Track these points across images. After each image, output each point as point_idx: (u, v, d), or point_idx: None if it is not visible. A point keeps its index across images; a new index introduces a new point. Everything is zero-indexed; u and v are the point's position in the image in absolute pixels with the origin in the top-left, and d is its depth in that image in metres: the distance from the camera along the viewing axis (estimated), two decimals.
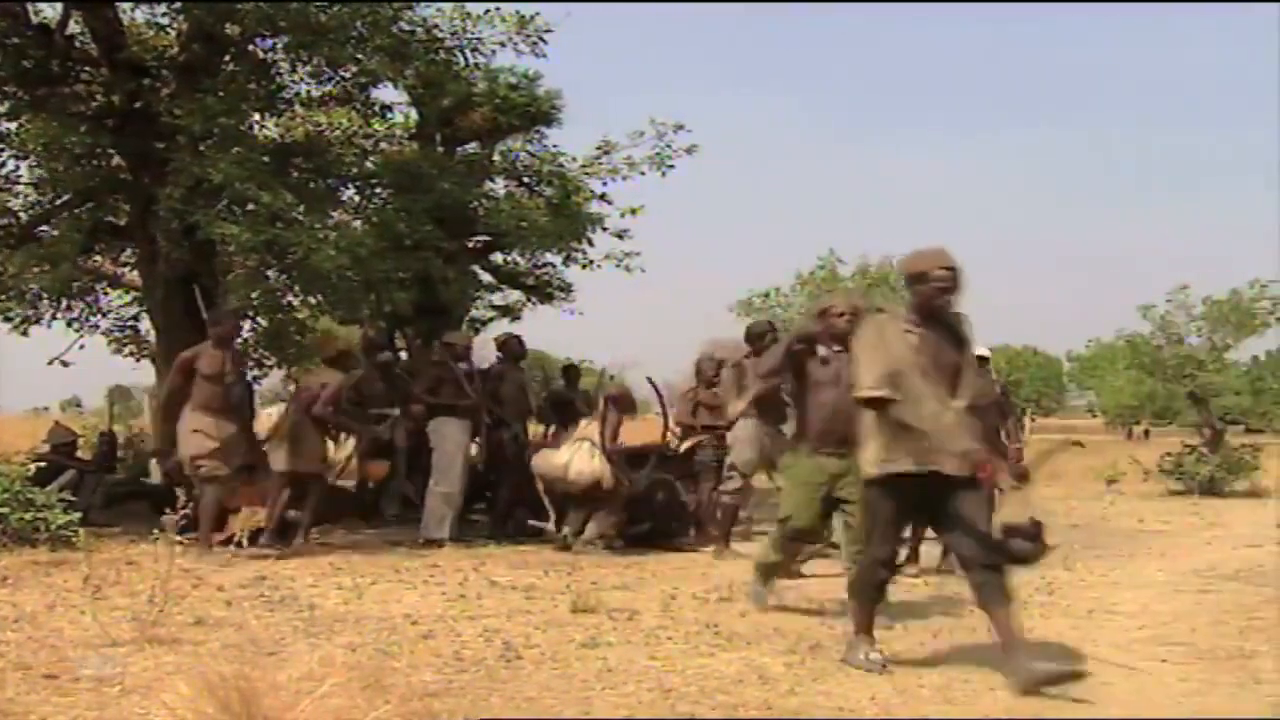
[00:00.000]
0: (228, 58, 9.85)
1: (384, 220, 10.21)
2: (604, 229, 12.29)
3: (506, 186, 12.42)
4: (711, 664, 4.76)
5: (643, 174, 12.53)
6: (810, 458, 5.67)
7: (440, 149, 11.86)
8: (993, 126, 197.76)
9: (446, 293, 11.13)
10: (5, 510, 7.53)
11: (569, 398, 10.59)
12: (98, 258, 11.94)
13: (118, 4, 9.64)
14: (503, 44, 11.03)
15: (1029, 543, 4.46)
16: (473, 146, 12.33)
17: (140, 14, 10.38)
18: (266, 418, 9.26)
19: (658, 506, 8.83)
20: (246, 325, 11.87)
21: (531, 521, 9.10)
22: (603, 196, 12.37)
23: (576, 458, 8.46)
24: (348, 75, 10.31)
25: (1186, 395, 20.59)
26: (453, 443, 8.92)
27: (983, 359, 6.79)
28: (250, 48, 9.91)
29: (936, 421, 4.34)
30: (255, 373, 12.40)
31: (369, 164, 10.84)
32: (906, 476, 4.47)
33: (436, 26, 10.47)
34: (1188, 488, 15.68)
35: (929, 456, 4.40)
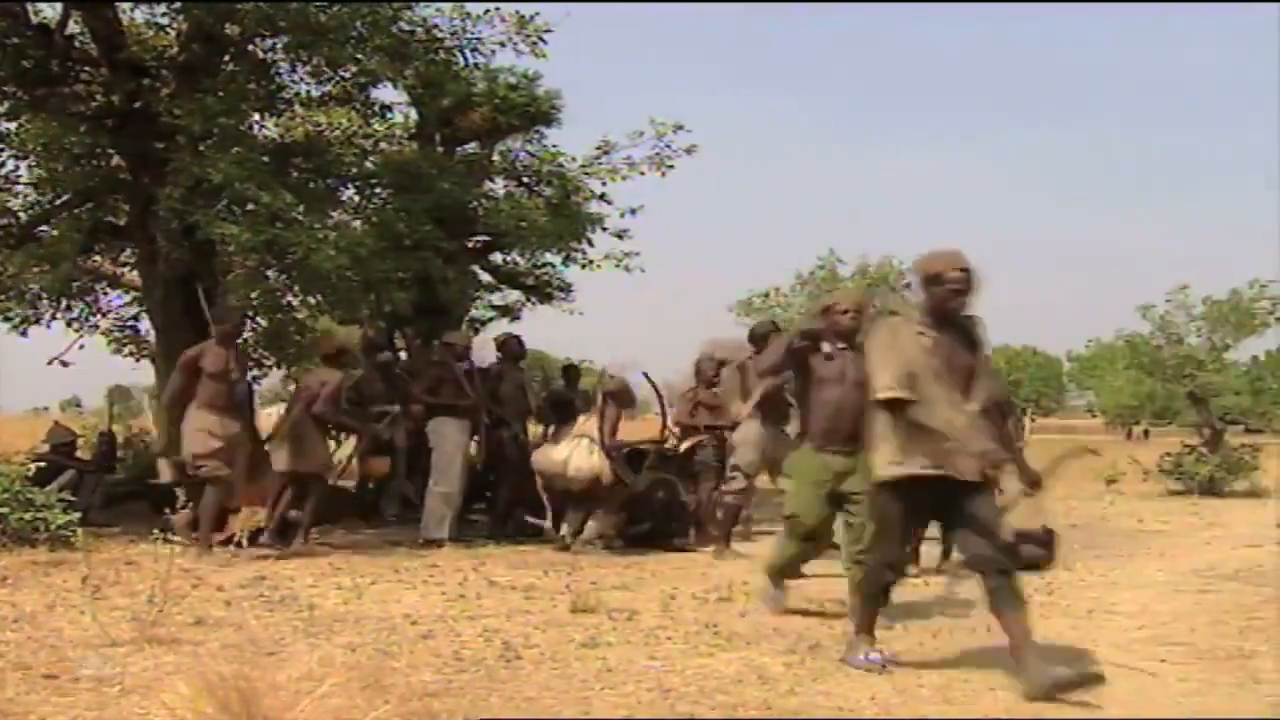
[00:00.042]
0: (227, 58, 9.85)
1: (384, 220, 10.21)
2: (604, 229, 12.29)
3: (506, 186, 12.42)
4: (711, 664, 4.76)
5: (642, 174, 12.52)
6: (816, 455, 5.63)
7: (440, 149, 11.86)
8: (993, 126, 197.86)
9: (446, 293, 11.13)
10: (5, 510, 7.53)
11: (568, 398, 10.58)
12: (97, 258, 11.94)
13: (117, 4, 9.64)
14: (502, 44, 11.03)
15: (1041, 549, 4.45)
16: (472, 146, 12.33)
17: (140, 14, 10.39)
18: (266, 418, 9.27)
19: (658, 506, 8.82)
20: (246, 325, 11.87)
21: (529, 519, 9.11)
22: (602, 196, 12.37)
23: (575, 454, 8.46)
24: (347, 75, 10.32)
25: (1186, 395, 20.61)
26: (452, 443, 8.92)
27: None
28: (250, 48, 9.92)
29: (951, 423, 4.32)
30: (255, 373, 12.40)
31: (369, 164, 10.84)
32: (918, 479, 4.42)
33: (436, 26, 10.48)
34: (1187, 488, 15.68)
35: (942, 459, 4.36)
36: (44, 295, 12.07)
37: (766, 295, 23.60)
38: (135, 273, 11.65)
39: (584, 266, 12.53)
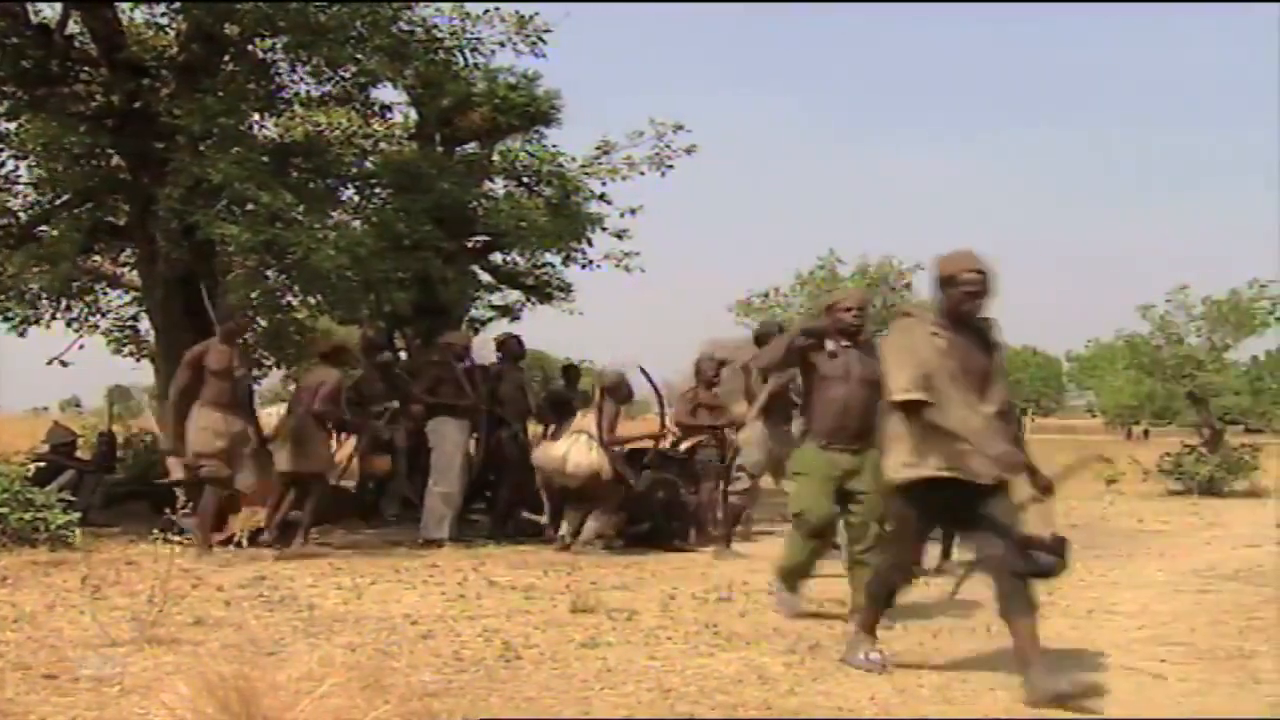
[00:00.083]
0: (227, 58, 9.85)
1: (383, 220, 10.21)
2: (603, 229, 12.30)
3: (506, 186, 12.43)
4: (711, 664, 4.76)
5: (642, 174, 12.55)
6: (822, 453, 5.60)
7: (440, 149, 11.87)
8: (993, 126, 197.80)
9: (446, 293, 11.13)
10: (5, 510, 7.53)
11: (568, 397, 10.60)
12: (97, 258, 11.95)
13: (117, 4, 9.64)
14: (502, 44, 11.04)
15: (1052, 557, 4.40)
16: (472, 146, 12.34)
17: (140, 14, 10.39)
18: (266, 417, 9.26)
19: (658, 506, 8.82)
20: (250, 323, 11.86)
21: (527, 515, 9.10)
22: (602, 196, 12.38)
23: (574, 450, 8.45)
24: (347, 75, 10.31)
25: (1186, 395, 20.60)
26: (451, 443, 8.93)
27: None
28: (250, 48, 9.92)
29: (967, 426, 4.28)
30: (255, 372, 12.40)
31: (368, 164, 10.84)
32: (933, 481, 4.38)
33: (436, 26, 10.47)
34: (1187, 488, 15.69)
35: (958, 461, 4.32)
36: (44, 295, 12.08)
37: (766, 295, 23.63)
38: (135, 273, 11.65)
39: (584, 266, 12.55)
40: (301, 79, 10.52)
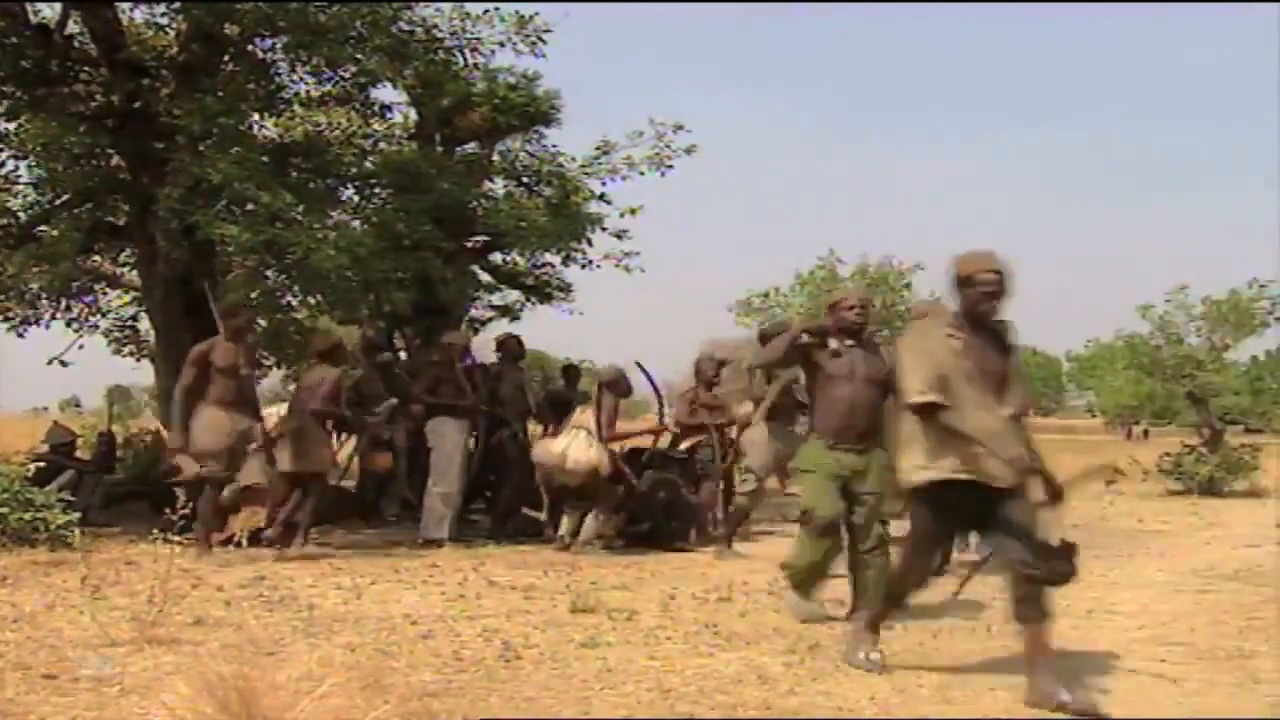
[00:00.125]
0: (227, 58, 9.86)
1: (383, 220, 10.21)
2: (603, 229, 12.29)
3: (505, 186, 12.44)
4: (711, 664, 4.76)
5: (642, 174, 12.56)
6: (828, 452, 5.55)
7: (439, 149, 11.87)
8: (993, 126, 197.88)
9: (445, 293, 11.13)
10: (5, 510, 7.53)
11: (568, 397, 10.59)
12: (97, 258, 11.96)
13: (117, 4, 9.65)
14: (502, 44, 11.07)
15: (1063, 564, 4.37)
16: (472, 146, 12.34)
17: (139, 14, 10.41)
18: (266, 418, 9.25)
19: (660, 506, 8.82)
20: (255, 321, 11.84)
21: (527, 511, 9.10)
22: (602, 196, 12.38)
23: (573, 446, 8.44)
24: (347, 75, 10.32)
25: (1185, 395, 20.60)
26: (451, 443, 8.92)
27: None
28: (249, 48, 9.93)
29: (983, 428, 4.24)
30: (255, 372, 12.40)
31: (368, 164, 10.85)
32: (950, 484, 4.33)
33: (436, 26, 10.49)
34: (1187, 488, 15.68)
35: (974, 463, 4.27)
36: (44, 295, 12.09)
37: (766, 295, 23.61)
38: (135, 273, 11.65)
39: (584, 266, 12.54)
40: (301, 79, 10.53)
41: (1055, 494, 4.46)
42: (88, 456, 10.69)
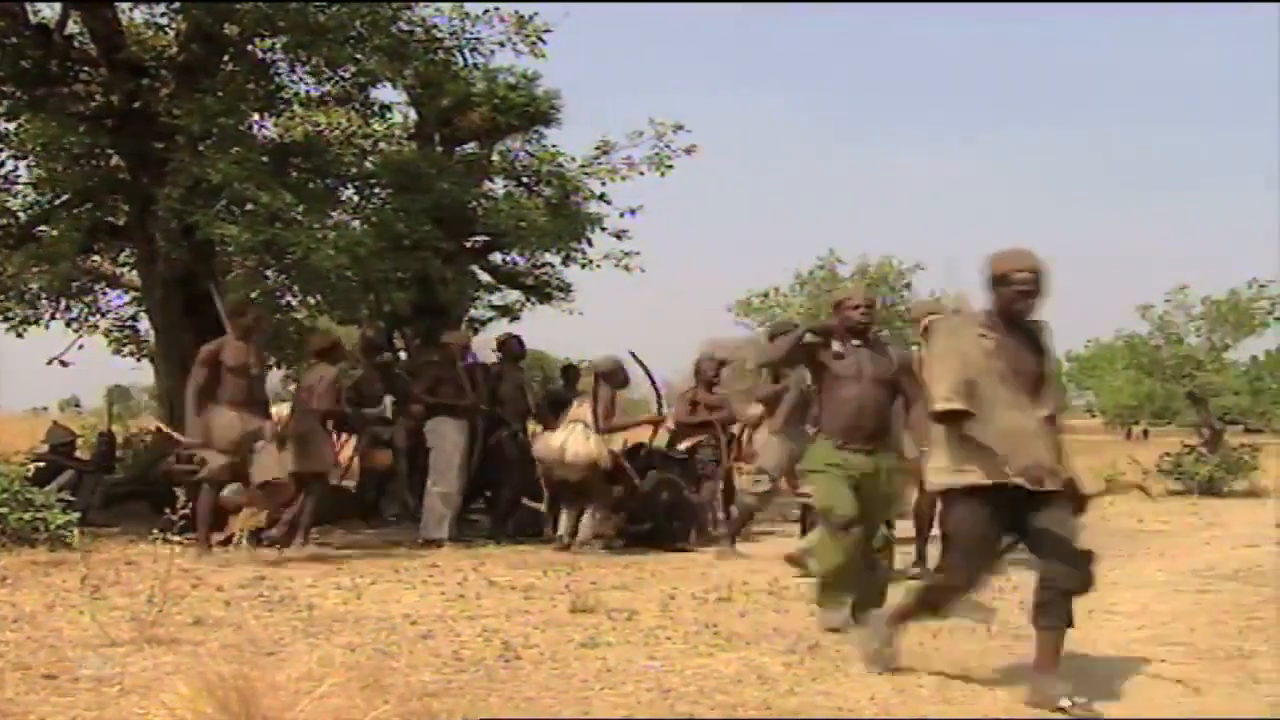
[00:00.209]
0: (226, 58, 9.86)
1: (383, 220, 10.22)
2: (603, 229, 12.29)
3: (505, 186, 12.43)
4: (710, 664, 4.76)
5: (642, 174, 12.53)
6: (837, 453, 5.42)
7: (439, 149, 11.87)
8: (993, 126, 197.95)
9: (445, 293, 11.14)
10: (4, 510, 7.52)
11: (567, 398, 10.58)
12: (96, 258, 11.96)
13: (116, 4, 9.65)
14: (501, 44, 11.06)
15: (1083, 572, 4.33)
16: (471, 146, 12.34)
17: (139, 14, 10.41)
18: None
19: (661, 507, 8.81)
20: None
21: (528, 502, 9.09)
22: (602, 196, 12.38)
23: (571, 439, 8.43)
24: (347, 75, 10.33)
25: (1185, 395, 20.63)
26: (450, 443, 8.92)
27: None
28: (249, 48, 9.93)
29: (1013, 430, 4.15)
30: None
31: (368, 164, 10.85)
32: (983, 488, 4.21)
33: (435, 26, 10.49)
34: (1187, 488, 15.68)
35: (1006, 468, 4.15)
36: (44, 295, 12.09)
37: (766, 295, 23.67)
38: (135, 273, 11.66)
39: (583, 266, 12.54)
40: (301, 79, 10.53)
41: (1079, 503, 4.36)
42: (88, 456, 10.69)
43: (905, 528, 7.37)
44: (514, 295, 13.66)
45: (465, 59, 10.98)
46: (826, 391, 5.57)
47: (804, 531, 8.08)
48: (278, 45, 9.94)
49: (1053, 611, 4.22)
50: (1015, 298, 4.27)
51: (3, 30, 8.95)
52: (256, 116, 10.18)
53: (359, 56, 9.58)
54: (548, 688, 4.30)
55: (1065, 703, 4.12)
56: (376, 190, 11.18)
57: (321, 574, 6.96)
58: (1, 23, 8.94)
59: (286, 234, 8.70)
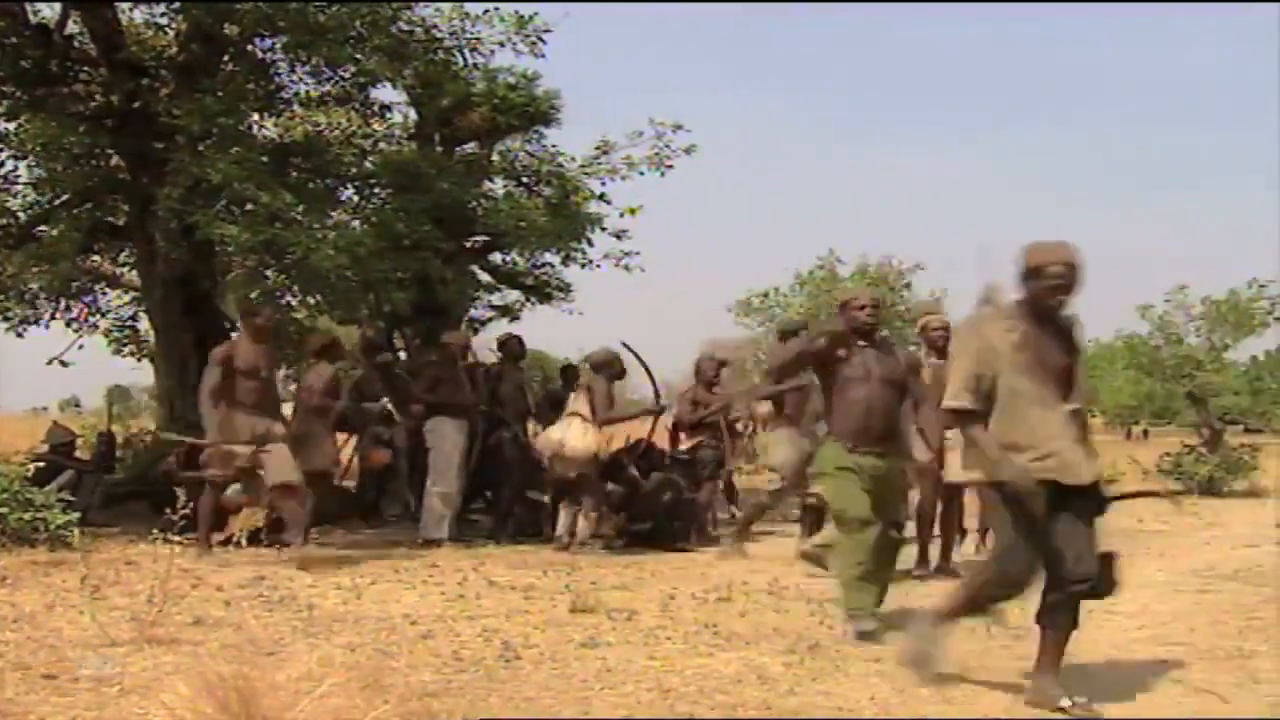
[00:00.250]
0: (226, 58, 9.87)
1: (383, 220, 10.21)
2: (603, 229, 12.29)
3: (505, 186, 12.43)
4: (710, 664, 4.76)
5: (641, 174, 12.54)
6: (848, 455, 5.39)
7: (439, 149, 11.87)
8: (993, 126, 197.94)
9: (445, 293, 11.13)
10: (4, 510, 7.52)
11: (566, 398, 10.60)
12: (96, 258, 11.96)
13: (116, 4, 9.66)
14: (501, 44, 11.07)
15: (1107, 574, 4.30)
16: (471, 146, 12.34)
17: (139, 14, 10.42)
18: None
19: (663, 508, 8.81)
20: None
21: (531, 494, 9.09)
22: (601, 196, 12.38)
23: (569, 434, 8.42)
24: (346, 75, 10.34)
25: (1185, 395, 20.63)
26: (450, 443, 8.92)
27: None
28: (249, 48, 9.94)
29: (1039, 426, 4.09)
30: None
31: (368, 164, 10.86)
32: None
33: (435, 26, 10.50)
34: (1187, 488, 15.66)
35: (1034, 462, 4.08)
36: (43, 295, 12.09)
37: (766, 295, 23.66)
38: (135, 273, 11.66)
39: (583, 266, 12.54)
40: (301, 79, 10.54)
41: (1101, 503, 4.34)
42: (88, 456, 10.69)
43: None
44: (514, 295, 13.66)
45: (465, 59, 10.98)
46: (835, 393, 5.52)
47: (809, 532, 8.09)
48: (278, 45, 9.94)
49: (1062, 613, 4.20)
50: (1047, 292, 4.18)
51: (3, 30, 8.96)
52: (256, 116, 10.19)
53: (359, 56, 9.58)
54: (548, 688, 4.30)
55: (1065, 703, 4.11)
56: (376, 190, 11.17)
57: (321, 574, 6.95)
58: (1, 23, 8.94)
59: (286, 234, 8.70)
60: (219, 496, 7.67)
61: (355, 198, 11.37)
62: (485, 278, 13.14)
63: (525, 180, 12.30)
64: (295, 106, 10.31)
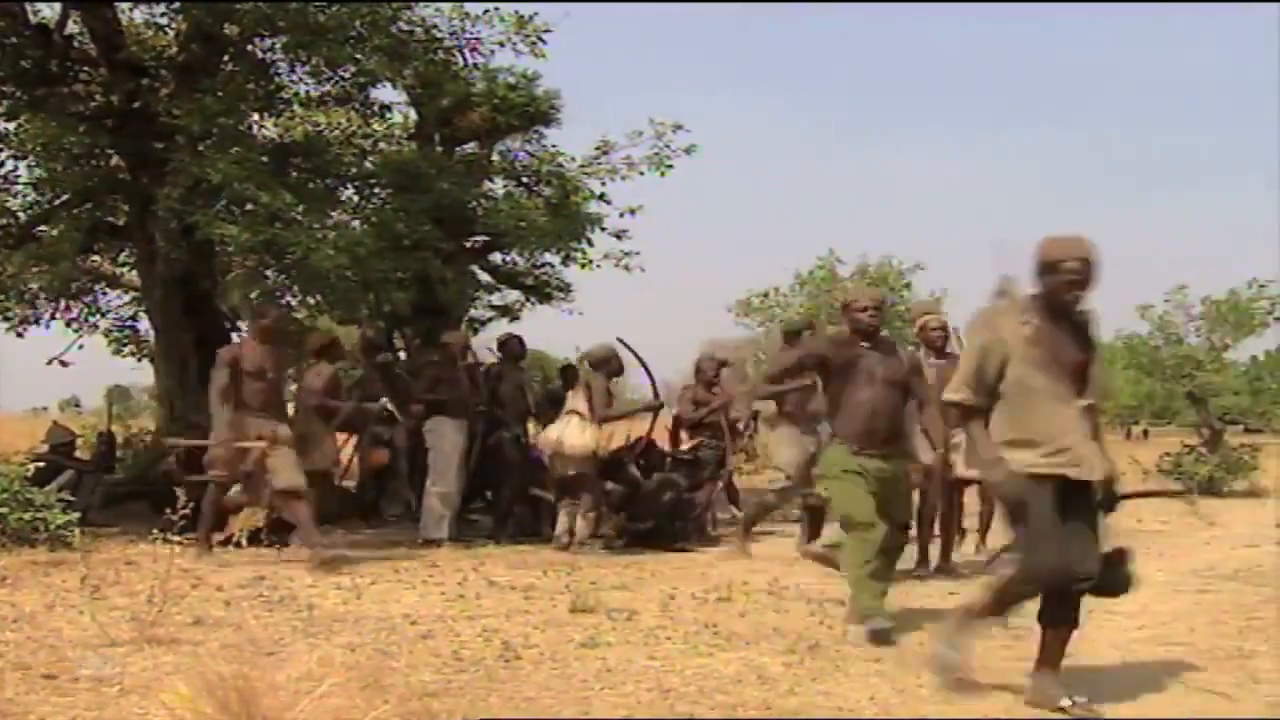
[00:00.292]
0: (226, 58, 9.87)
1: (383, 220, 10.21)
2: (603, 229, 12.28)
3: (505, 186, 12.42)
4: (710, 664, 4.76)
5: (641, 174, 12.53)
6: (853, 458, 5.36)
7: (439, 149, 11.87)
8: (993, 126, 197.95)
9: (445, 293, 11.13)
10: (4, 510, 7.52)
11: (565, 398, 10.60)
12: (96, 258, 11.96)
13: (116, 4, 9.66)
14: (501, 44, 11.05)
15: (1120, 572, 4.29)
16: (471, 146, 12.33)
17: (139, 14, 10.42)
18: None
19: (663, 507, 8.81)
20: (244, 325, 11.84)
21: (536, 491, 9.09)
22: (601, 196, 12.38)
23: (568, 432, 8.43)
24: (346, 75, 10.33)
25: (1185, 395, 20.63)
26: (449, 443, 8.92)
27: None
28: (249, 48, 9.93)
29: (1051, 422, 4.07)
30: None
31: (368, 164, 10.85)
32: (1039, 476, 4.07)
33: (435, 26, 10.49)
34: (1187, 488, 15.65)
35: (1055, 457, 4.07)
36: (43, 295, 12.09)
37: (766, 295, 23.68)
38: (135, 273, 11.66)
39: (583, 266, 12.53)
40: (301, 79, 10.53)
41: (1110, 503, 4.32)
42: (88, 456, 10.69)
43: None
44: (514, 295, 13.65)
45: (465, 59, 10.98)
46: (838, 396, 5.50)
47: (811, 533, 8.09)
48: (277, 45, 9.93)
49: (1061, 611, 4.18)
50: (1063, 287, 4.13)
51: (3, 30, 8.96)
52: (256, 116, 10.18)
53: (359, 56, 9.58)
54: (548, 688, 4.31)
55: (1065, 703, 4.11)
56: (376, 190, 11.17)
57: (321, 574, 6.95)
58: (1, 23, 8.94)
59: (286, 234, 8.70)
60: (223, 497, 7.66)
61: (355, 198, 11.36)
62: (485, 278, 13.13)
63: (525, 180, 12.30)
64: (295, 106, 10.29)
